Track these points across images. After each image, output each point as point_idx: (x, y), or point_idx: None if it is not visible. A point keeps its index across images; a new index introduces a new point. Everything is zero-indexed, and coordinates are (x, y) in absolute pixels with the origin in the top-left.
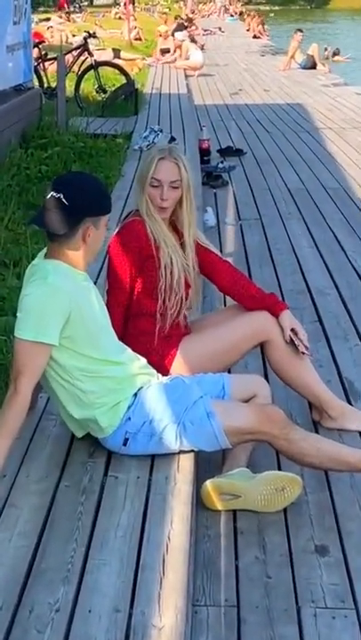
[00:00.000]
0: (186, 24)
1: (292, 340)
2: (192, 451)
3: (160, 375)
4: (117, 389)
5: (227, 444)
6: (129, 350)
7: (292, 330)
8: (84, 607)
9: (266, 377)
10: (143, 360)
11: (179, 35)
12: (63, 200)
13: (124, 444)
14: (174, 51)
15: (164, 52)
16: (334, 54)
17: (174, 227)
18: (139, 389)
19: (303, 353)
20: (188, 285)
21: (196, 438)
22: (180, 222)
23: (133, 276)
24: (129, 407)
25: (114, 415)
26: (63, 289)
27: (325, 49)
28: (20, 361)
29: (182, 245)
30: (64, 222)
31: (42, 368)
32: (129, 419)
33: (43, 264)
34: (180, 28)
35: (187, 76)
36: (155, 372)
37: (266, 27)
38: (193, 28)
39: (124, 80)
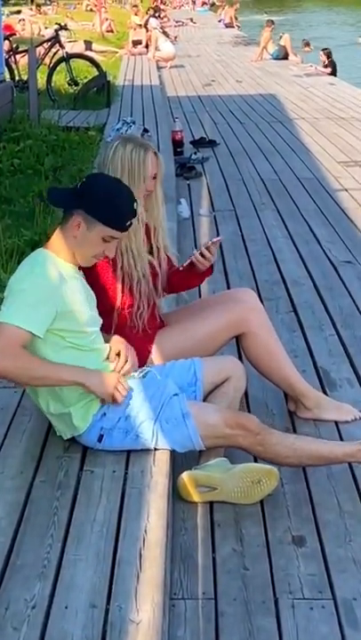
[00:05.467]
0: (156, 14)
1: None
2: None
3: (136, 369)
4: None
5: (201, 446)
6: (108, 347)
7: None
8: (60, 603)
9: None
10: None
11: (153, 21)
12: (78, 184)
13: (99, 441)
14: (146, 43)
15: (136, 43)
16: (307, 44)
17: None
18: None
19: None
20: (155, 275)
21: (171, 438)
22: (150, 209)
23: (93, 275)
24: (102, 405)
25: (86, 413)
26: (50, 282)
27: (306, 43)
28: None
29: (153, 232)
30: (62, 199)
31: (15, 355)
32: (104, 414)
33: (37, 252)
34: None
35: (159, 68)
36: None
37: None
38: (165, 19)
39: (95, 72)
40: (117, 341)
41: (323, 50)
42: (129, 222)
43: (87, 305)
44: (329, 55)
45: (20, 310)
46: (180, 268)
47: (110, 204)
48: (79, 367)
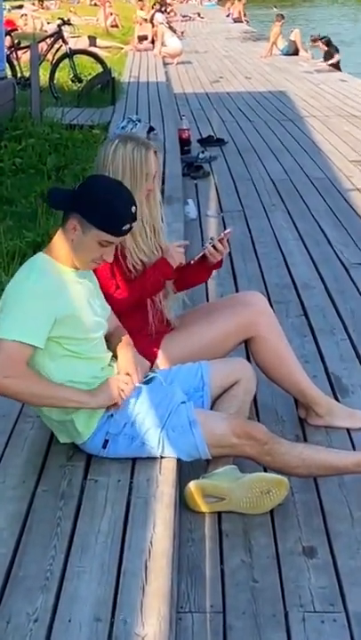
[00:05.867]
0: (162, 9)
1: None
2: None
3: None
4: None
5: (207, 455)
6: (109, 354)
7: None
8: (63, 616)
9: None
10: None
11: (159, 16)
12: (76, 185)
13: (104, 447)
14: (152, 38)
15: (142, 38)
16: (315, 40)
17: None
18: None
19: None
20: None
21: (177, 446)
22: (150, 210)
23: (99, 279)
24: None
25: (90, 419)
26: (47, 289)
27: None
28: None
29: (154, 233)
30: (60, 200)
31: (21, 374)
32: (111, 416)
33: (35, 257)
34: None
35: (165, 64)
36: None
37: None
38: (171, 14)
39: (100, 69)
40: (126, 357)
41: (321, 39)
42: (127, 226)
43: (90, 311)
44: (328, 43)
45: (17, 322)
46: (192, 262)
47: (106, 208)
48: (84, 390)
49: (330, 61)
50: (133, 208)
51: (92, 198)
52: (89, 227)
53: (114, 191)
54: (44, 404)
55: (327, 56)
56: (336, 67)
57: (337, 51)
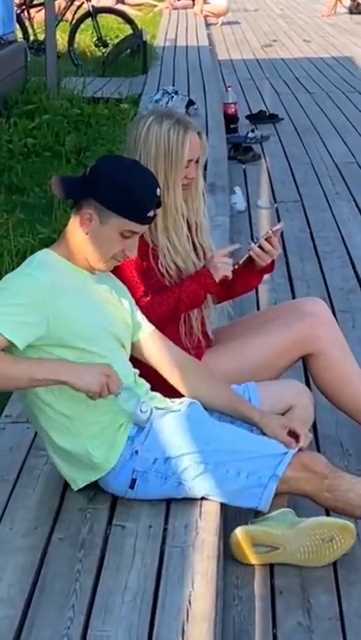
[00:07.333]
0: None
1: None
2: None
3: (174, 400)
4: (112, 411)
5: None
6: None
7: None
8: None
9: None
10: (147, 386)
11: None
12: (87, 170)
13: (132, 487)
14: None
15: None
16: None
17: None
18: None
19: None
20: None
21: (218, 485)
22: (190, 200)
23: (135, 281)
24: (133, 438)
25: (111, 448)
26: (43, 286)
27: None
28: None
29: (195, 229)
30: (71, 188)
31: None
32: (136, 452)
33: (38, 253)
34: None
35: (208, 25)
36: (165, 399)
37: None
38: None
39: (129, 30)
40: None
41: None
42: (152, 212)
43: (98, 317)
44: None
45: None
46: (235, 267)
47: (126, 190)
48: (58, 361)
49: None
50: (158, 190)
51: (108, 181)
52: (108, 215)
53: (132, 172)
54: (13, 387)
55: None
56: None
57: None
